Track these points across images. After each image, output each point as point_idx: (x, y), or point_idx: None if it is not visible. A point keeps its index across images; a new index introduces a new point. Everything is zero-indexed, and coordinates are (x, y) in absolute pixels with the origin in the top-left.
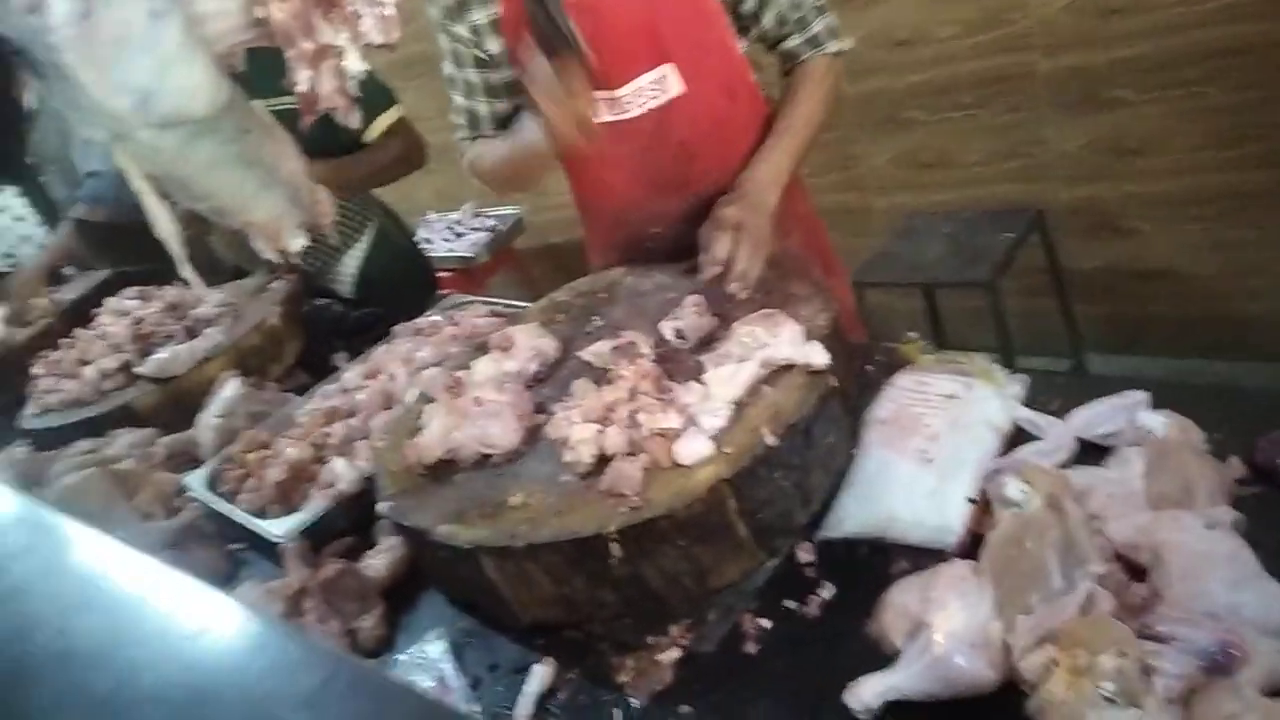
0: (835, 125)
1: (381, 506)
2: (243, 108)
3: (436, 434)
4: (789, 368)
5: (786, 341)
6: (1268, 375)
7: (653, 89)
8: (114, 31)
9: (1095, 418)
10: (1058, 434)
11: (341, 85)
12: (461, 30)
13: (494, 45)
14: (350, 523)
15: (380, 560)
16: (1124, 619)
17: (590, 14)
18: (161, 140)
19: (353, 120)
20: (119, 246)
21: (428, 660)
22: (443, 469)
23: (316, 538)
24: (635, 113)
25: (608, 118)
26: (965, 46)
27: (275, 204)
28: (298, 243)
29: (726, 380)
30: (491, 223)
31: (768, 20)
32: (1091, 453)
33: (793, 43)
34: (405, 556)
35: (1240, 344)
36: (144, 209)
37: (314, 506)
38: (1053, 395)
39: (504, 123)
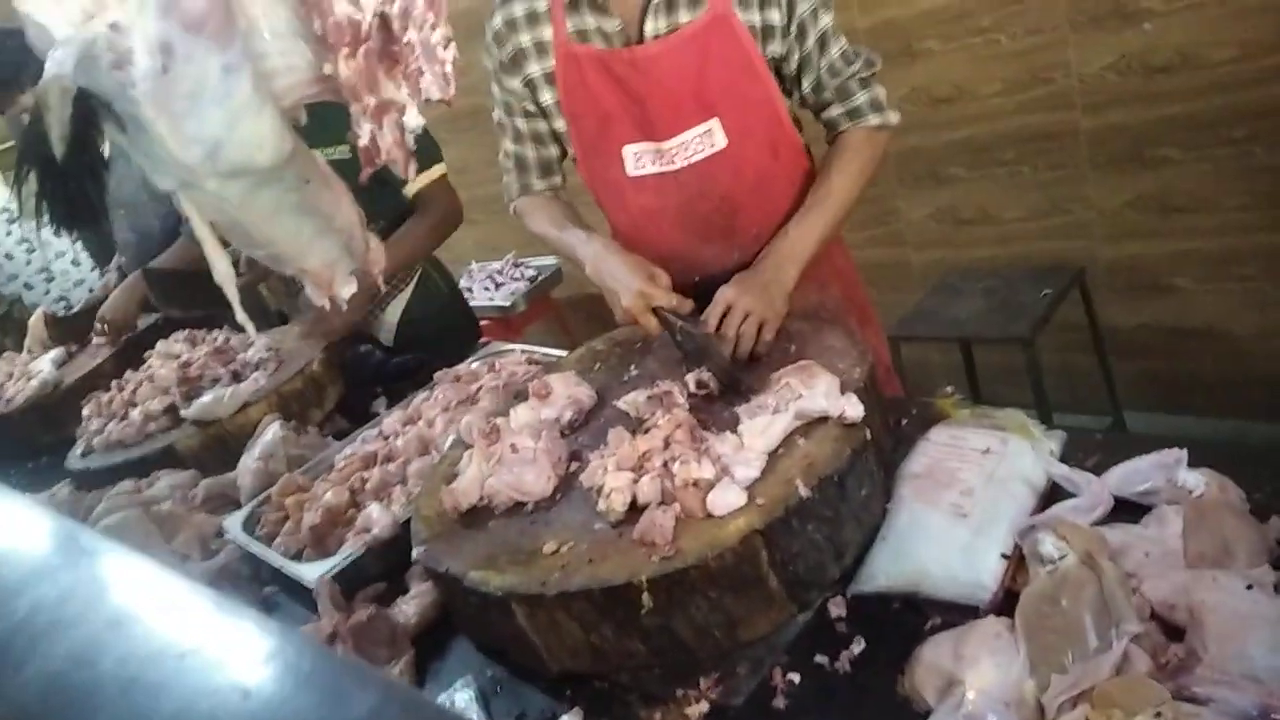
0: (877, 182)
1: (416, 551)
2: (304, 158)
3: (471, 480)
4: (824, 419)
5: (822, 393)
6: None
7: (699, 142)
8: (189, 86)
9: (1132, 475)
10: (1094, 491)
11: (401, 139)
12: (515, 84)
13: (548, 97)
14: (384, 568)
15: (411, 606)
16: (1160, 680)
17: (641, 68)
18: (226, 189)
19: (410, 173)
20: (180, 293)
21: (455, 708)
22: (477, 515)
23: (349, 583)
24: (680, 165)
25: (653, 170)
26: (1007, 104)
27: (330, 251)
28: (348, 290)
29: (760, 431)
30: (531, 273)
31: (806, 85)
32: (1128, 510)
33: (833, 112)
34: (436, 602)
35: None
36: (205, 255)
37: (347, 551)
38: (1089, 452)
39: (549, 168)
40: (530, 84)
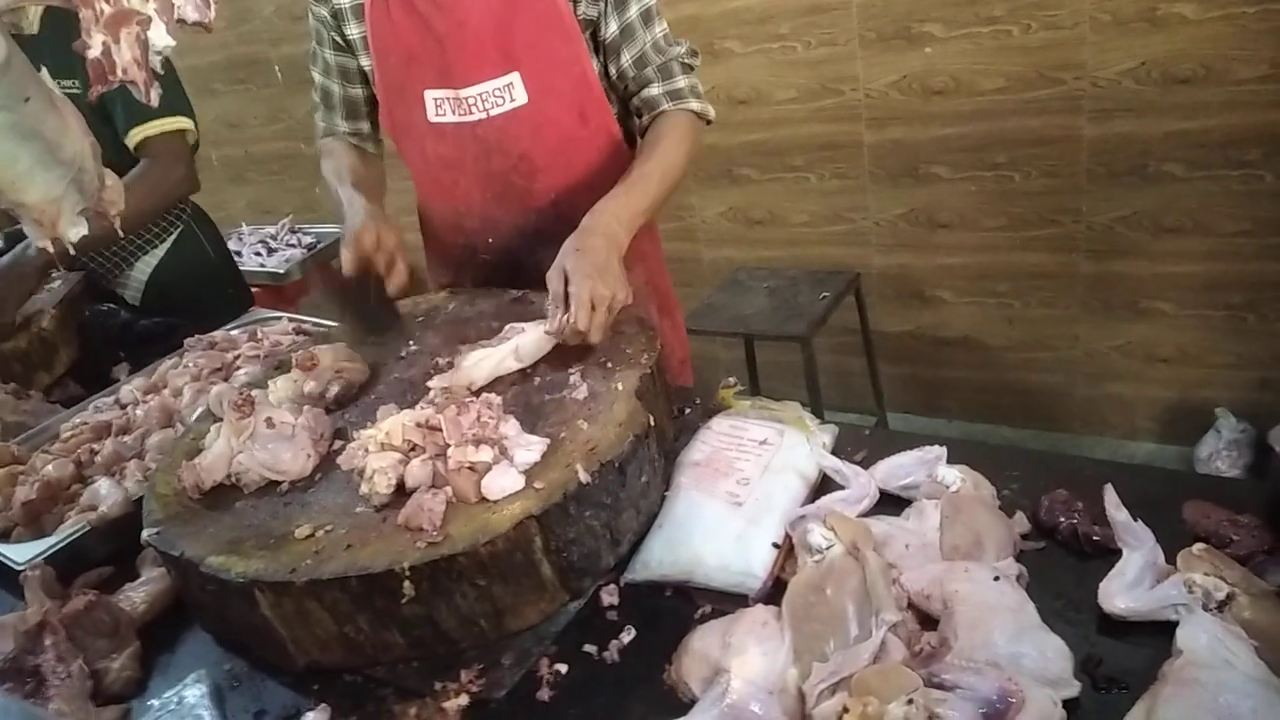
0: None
1: (146, 533)
2: (23, 71)
3: (218, 456)
4: (610, 406)
5: (533, 327)
6: (1048, 443)
7: (498, 95)
8: None
9: (897, 470)
10: (862, 483)
11: (143, 59)
12: (323, 11)
13: (354, 30)
14: (111, 551)
15: (139, 594)
16: (914, 667)
17: (444, 7)
18: None
19: (153, 99)
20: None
21: (183, 706)
22: (223, 496)
23: (68, 566)
24: (479, 116)
25: (452, 118)
26: (799, 111)
27: (53, 185)
28: (76, 232)
29: (476, 362)
30: (309, 239)
31: (627, 58)
32: (891, 503)
33: (654, 90)
34: (169, 590)
35: (1025, 412)
36: None
37: (67, 530)
38: (858, 447)
39: (355, 110)
40: (337, 14)
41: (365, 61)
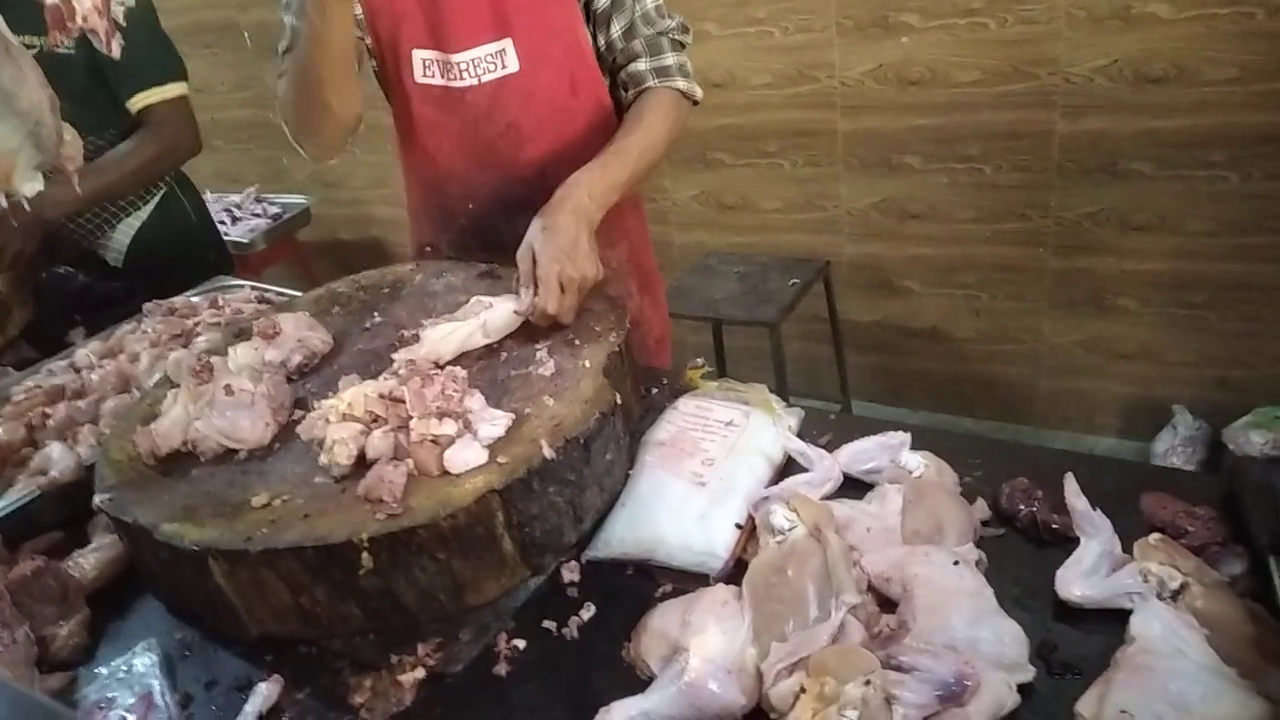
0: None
1: (99, 498)
2: None
3: (175, 421)
4: (576, 383)
5: (501, 302)
6: (1009, 435)
7: (490, 61)
8: None
9: (860, 454)
10: (826, 467)
11: (103, 5)
12: None
13: None
14: (62, 517)
15: (90, 560)
16: (872, 649)
17: None
18: None
19: (114, 49)
20: None
21: (132, 674)
22: (178, 463)
23: (17, 531)
24: (469, 82)
25: (439, 81)
26: (774, 97)
27: (8, 138)
28: (31, 186)
29: (442, 337)
30: (275, 210)
31: (617, 28)
32: (855, 487)
33: (640, 66)
34: (120, 557)
35: (988, 403)
36: None
37: (16, 495)
38: (823, 431)
39: None
40: None
41: (356, 9)
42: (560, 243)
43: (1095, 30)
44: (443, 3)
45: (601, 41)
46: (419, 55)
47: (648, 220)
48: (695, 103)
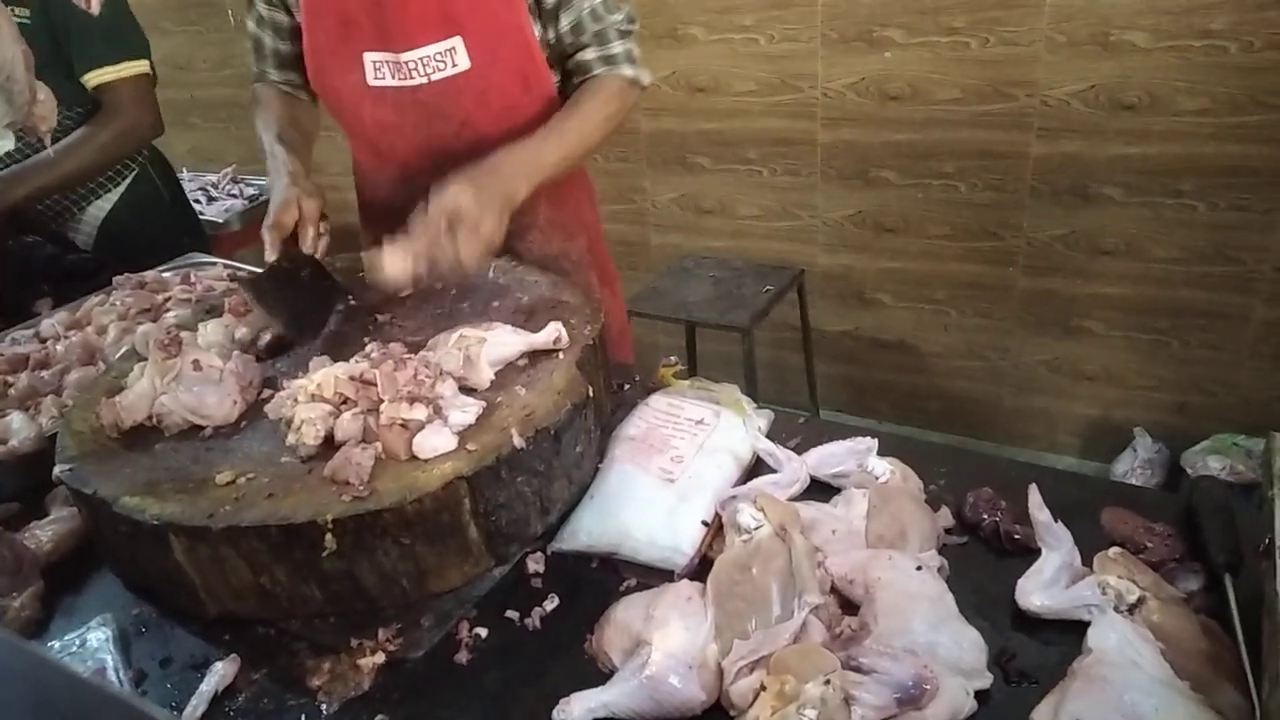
0: (629, 158)
1: (58, 469)
2: None
3: (140, 395)
4: (549, 374)
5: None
6: (972, 449)
7: (440, 59)
8: None
9: (828, 458)
10: (794, 468)
11: None
12: None
13: None
14: (20, 487)
15: (46, 532)
16: (833, 649)
17: None
18: None
19: (94, 6)
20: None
21: (85, 649)
22: (142, 436)
23: None
24: (420, 81)
25: (392, 82)
26: (756, 104)
27: None
28: (3, 145)
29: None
30: (251, 191)
31: (565, 23)
32: (822, 490)
33: (587, 55)
34: (78, 530)
35: (952, 418)
36: None
37: None
38: (792, 433)
39: (285, 62)
40: None
41: (300, 18)
42: (470, 186)
43: (1074, 55)
44: (389, 3)
45: (550, 36)
46: (369, 58)
47: (627, 221)
48: (643, 88)
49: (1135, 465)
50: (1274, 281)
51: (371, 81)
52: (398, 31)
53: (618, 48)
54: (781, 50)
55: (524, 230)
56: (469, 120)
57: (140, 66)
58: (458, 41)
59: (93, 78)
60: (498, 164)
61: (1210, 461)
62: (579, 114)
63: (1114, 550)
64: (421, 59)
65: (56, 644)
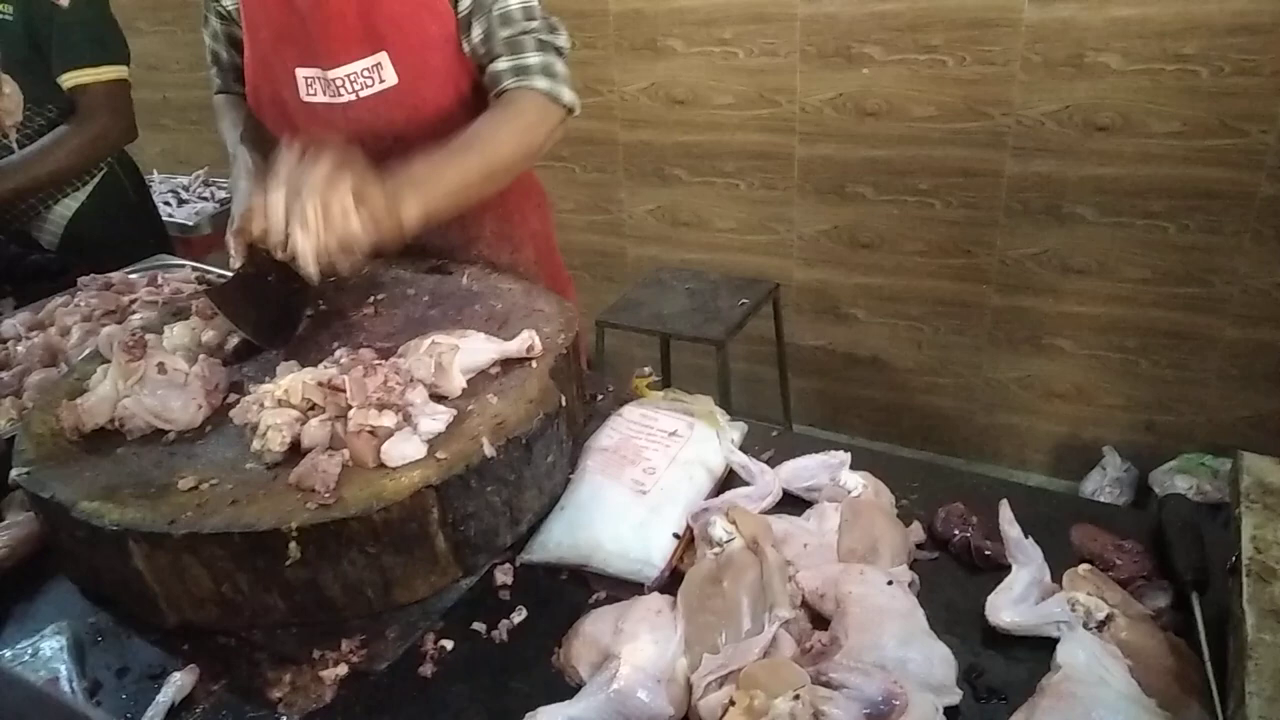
0: (606, 169)
1: (15, 472)
2: None
3: (103, 398)
4: (522, 382)
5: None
6: (942, 465)
7: (367, 75)
8: None
9: (801, 471)
10: (766, 481)
11: None
12: None
13: (229, 1)
14: None
15: (1, 536)
16: (804, 664)
17: None
18: None
19: None
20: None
21: (38, 658)
22: (104, 440)
23: None
24: (348, 98)
25: (323, 99)
26: (734, 118)
27: None
28: None
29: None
30: (223, 194)
31: (476, 33)
32: (794, 503)
33: (499, 65)
34: (34, 536)
35: (924, 434)
36: None
37: None
38: (765, 446)
39: (243, 73)
40: None
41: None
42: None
43: (1049, 75)
44: (312, 20)
45: (466, 48)
46: (301, 73)
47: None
48: (568, 108)
49: (1104, 483)
50: (1242, 303)
51: (304, 97)
52: (323, 49)
53: (533, 59)
54: (760, 64)
55: (470, 242)
56: (402, 135)
57: (119, 72)
58: (383, 57)
59: (69, 79)
60: (395, 173)
61: (1178, 480)
62: (480, 129)
63: (1083, 567)
64: (349, 75)
65: (8, 652)
